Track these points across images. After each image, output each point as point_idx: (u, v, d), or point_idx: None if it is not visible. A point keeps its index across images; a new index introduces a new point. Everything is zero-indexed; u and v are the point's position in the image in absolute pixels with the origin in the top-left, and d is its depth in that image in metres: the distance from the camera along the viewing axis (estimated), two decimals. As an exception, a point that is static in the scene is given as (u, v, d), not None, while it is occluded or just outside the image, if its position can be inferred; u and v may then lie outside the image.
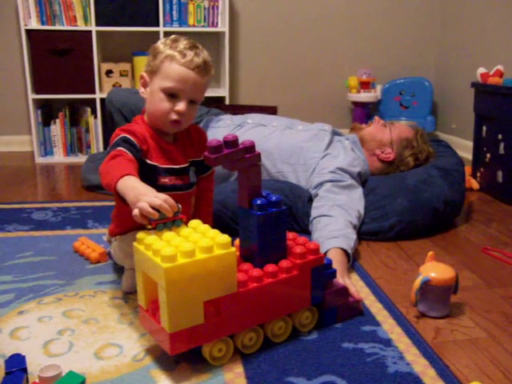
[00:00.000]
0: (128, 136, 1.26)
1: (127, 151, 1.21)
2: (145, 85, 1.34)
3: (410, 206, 1.77)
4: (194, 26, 3.06)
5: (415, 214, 1.77)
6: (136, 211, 1.02)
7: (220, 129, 2.05)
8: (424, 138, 2.04)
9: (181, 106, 1.27)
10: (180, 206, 1.06)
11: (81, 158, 2.96)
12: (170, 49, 1.27)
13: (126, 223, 1.34)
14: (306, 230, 1.74)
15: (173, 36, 1.33)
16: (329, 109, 3.57)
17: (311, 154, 1.91)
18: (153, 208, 1.01)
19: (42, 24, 2.91)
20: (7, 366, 0.97)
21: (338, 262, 1.35)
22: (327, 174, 1.80)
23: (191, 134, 1.40)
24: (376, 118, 2.11)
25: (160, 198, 1.02)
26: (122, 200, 1.10)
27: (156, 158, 1.30)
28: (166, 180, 1.30)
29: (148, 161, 1.28)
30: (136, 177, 1.10)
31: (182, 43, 1.29)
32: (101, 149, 3.06)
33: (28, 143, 3.24)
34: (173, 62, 1.26)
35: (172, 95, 1.27)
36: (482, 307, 1.32)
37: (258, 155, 1.07)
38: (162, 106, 1.28)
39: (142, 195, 1.03)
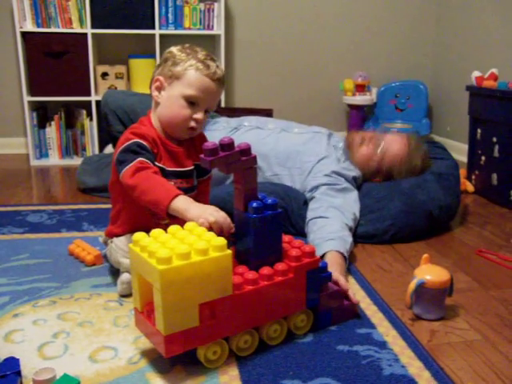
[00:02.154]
0: (141, 141, 1.29)
1: (149, 162, 1.25)
2: (159, 89, 1.36)
3: (405, 210, 1.77)
4: (189, 28, 3.07)
5: (410, 218, 1.77)
6: (205, 226, 1.09)
7: (216, 131, 2.05)
8: (419, 150, 1.95)
9: (199, 114, 1.33)
10: (234, 228, 1.14)
11: (76, 161, 2.95)
12: (193, 58, 1.32)
13: (134, 223, 1.37)
14: (301, 233, 1.74)
15: (187, 44, 1.37)
16: (324, 111, 3.57)
17: (307, 158, 1.91)
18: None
19: (38, 26, 2.90)
20: (1, 369, 0.97)
21: (335, 265, 1.35)
22: (322, 177, 1.80)
23: (194, 137, 1.42)
24: (368, 136, 1.98)
25: (221, 216, 1.11)
26: (170, 216, 1.17)
27: (164, 160, 1.33)
28: (172, 183, 1.31)
29: (156, 163, 1.31)
30: (184, 195, 1.18)
31: (201, 53, 1.34)
32: (96, 151, 3.05)
33: (23, 146, 3.23)
34: (197, 71, 1.30)
35: (192, 103, 1.32)
36: (477, 309, 1.32)
37: (254, 158, 1.07)
38: (183, 113, 1.32)
39: (203, 214, 1.11)
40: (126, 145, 1.27)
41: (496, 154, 2.27)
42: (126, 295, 1.34)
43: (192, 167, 1.39)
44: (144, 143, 1.29)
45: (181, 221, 1.15)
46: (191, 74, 1.31)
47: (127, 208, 1.38)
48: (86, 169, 2.38)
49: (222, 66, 3.09)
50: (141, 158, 1.24)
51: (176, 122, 1.34)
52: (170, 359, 1.05)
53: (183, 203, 1.15)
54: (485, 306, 1.34)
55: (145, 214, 1.35)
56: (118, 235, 1.40)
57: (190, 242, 1.00)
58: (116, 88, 3.03)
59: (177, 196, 1.16)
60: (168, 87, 1.34)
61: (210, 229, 1.09)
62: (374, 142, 1.96)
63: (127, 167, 1.23)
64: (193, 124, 1.33)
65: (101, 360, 1.07)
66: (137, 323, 1.10)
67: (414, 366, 1.06)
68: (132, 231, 1.35)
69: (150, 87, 1.38)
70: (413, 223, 1.78)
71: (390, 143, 1.95)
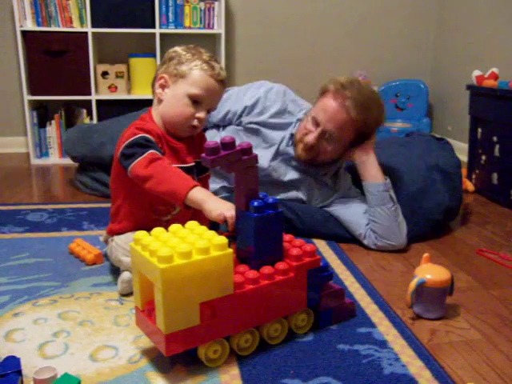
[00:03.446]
0: (148, 136, 1.30)
1: (160, 154, 1.26)
2: (164, 86, 1.37)
3: (409, 217, 1.73)
4: (190, 27, 3.06)
5: (415, 225, 1.75)
6: (220, 219, 1.12)
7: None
8: (367, 109, 1.73)
9: (202, 113, 1.35)
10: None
11: (76, 160, 2.95)
12: (198, 59, 1.34)
13: (134, 219, 1.37)
14: (310, 232, 1.74)
15: (191, 45, 1.39)
16: (325, 111, 3.57)
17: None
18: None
19: (38, 25, 2.90)
20: (2, 368, 0.96)
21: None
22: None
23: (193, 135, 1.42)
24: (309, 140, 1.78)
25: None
26: (186, 207, 1.18)
27: (167, 156, 1.34)
28: None
29: None
30: (201, 187, 1.20)
31: (206, 55, 1.36)
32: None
33: (23, 144, 3.23)
34: (202, 71, 1.33)
35: (196, 102, 1.34)
36: (477, 309, 1.32)
37: (255, 157, 1.07)
38: (187, 111, 1.34)
39: (221, 208, 1.12)
40: (132, 139, 1.28)
41: (496, 153, 2.27)
42: (127, 294, 1.34)
43: (193, 163, 1.40)
44: (151, 138, 1.30)
45: (183, 218, 1.15)
46: (196, 73, 1.33)
47: (127, 203, 1.39)
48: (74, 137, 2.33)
49: (223, 64, 3.09)
50: (152, 150, 1.25)
51: (179, 120, 1.35)
52: (171, 358, 1.05)
53: (202, 194, 1.17)
54: (485, 305, 1.34)
55: (144, 210, 1.36)
56: (118, 232, 1.40)
57: (191, 240, 1.00)
58: (116, 87, 3.02)
59: (195, 186, 1.18)
60: (172, 85, 1.35)
61: (224, 222, 1.11)
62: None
63: (139, 159, 1.23)
64: (195, 122, 1.35)
65: (101, 359, 1.07)
66: (137, 322, 1.10)
67: (414, 365, 1.06)
68: (132, 227, 1.36)
69: (153, 85, 1.40)
70: (416, 230, 1.76)
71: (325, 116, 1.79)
